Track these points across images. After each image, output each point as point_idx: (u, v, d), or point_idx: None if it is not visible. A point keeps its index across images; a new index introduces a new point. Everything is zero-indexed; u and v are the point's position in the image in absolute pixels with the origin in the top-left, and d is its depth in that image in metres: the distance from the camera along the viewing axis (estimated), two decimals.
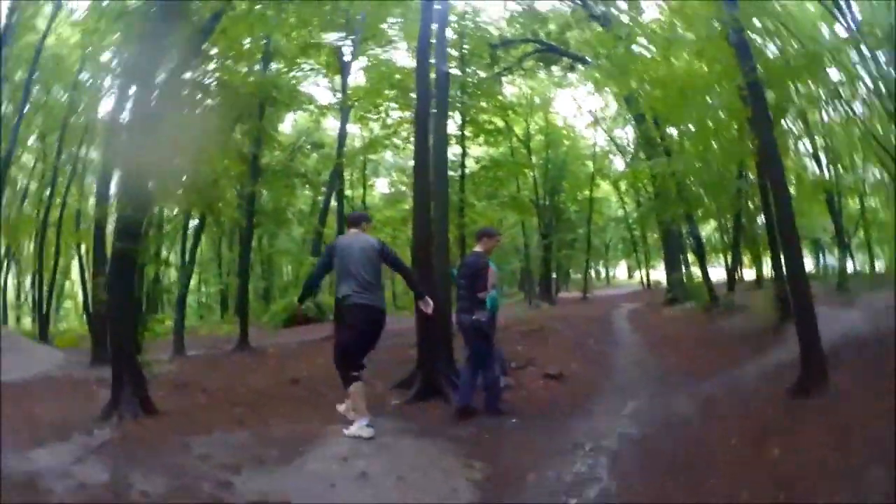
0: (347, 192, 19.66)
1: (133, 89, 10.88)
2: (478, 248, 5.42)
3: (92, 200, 18.04)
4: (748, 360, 6.64)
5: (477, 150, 15.79)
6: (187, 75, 7.17)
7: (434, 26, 7.28)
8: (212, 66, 8.88)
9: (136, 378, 5.73)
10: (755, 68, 6.02)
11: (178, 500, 3.54)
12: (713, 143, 10.43)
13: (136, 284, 7.04)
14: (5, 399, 6.21)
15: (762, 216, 13.59)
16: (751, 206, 13.00)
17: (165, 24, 6.14)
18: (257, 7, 8.62)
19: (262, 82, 10.95)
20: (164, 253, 14.08)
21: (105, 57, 16.30)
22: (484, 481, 3.60)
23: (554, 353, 7.69)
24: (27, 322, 21.79)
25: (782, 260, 7.73)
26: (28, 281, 22.54)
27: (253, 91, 10.05)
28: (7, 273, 18.74)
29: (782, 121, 11.50)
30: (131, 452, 4.49)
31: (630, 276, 34.95)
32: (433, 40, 7.27)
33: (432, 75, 7.25)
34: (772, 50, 8.64)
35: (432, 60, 7.23)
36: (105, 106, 16.39)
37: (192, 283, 23.84)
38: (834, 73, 10.25)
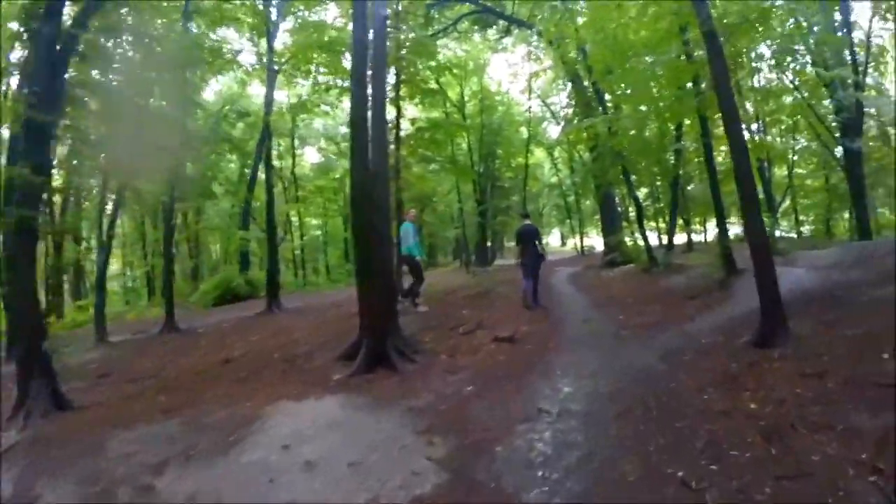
0: (276, 163, 18.35)
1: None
2: (528, 222, 8.69)
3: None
4: (698, 315, 6.50)
5: (411, 111, 15.04)
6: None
7: None
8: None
9: (46, 370, 5.25)
10: (711, 17, 5.77)
11: None
12: (653, 104, 10.21)
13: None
14: None
15: (695, 182, 13.84)
16: (682, 171, 13.08)
17: None
18: None
19: (181, 39, 9.78)
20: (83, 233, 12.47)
21: None
22: (447, 458, 3.19)
23: (502, 315, 7.40)
24: None
25: (747, 219, 7.73)
26: None
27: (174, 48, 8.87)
28: None
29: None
30: (40, 456, 4.15)
31: (563, 244, 35.30)
32: None
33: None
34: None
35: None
36: None
37: (117, 266, 21.93)
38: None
